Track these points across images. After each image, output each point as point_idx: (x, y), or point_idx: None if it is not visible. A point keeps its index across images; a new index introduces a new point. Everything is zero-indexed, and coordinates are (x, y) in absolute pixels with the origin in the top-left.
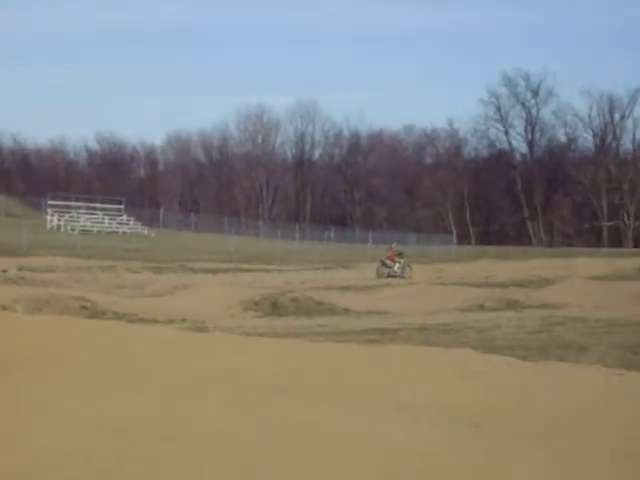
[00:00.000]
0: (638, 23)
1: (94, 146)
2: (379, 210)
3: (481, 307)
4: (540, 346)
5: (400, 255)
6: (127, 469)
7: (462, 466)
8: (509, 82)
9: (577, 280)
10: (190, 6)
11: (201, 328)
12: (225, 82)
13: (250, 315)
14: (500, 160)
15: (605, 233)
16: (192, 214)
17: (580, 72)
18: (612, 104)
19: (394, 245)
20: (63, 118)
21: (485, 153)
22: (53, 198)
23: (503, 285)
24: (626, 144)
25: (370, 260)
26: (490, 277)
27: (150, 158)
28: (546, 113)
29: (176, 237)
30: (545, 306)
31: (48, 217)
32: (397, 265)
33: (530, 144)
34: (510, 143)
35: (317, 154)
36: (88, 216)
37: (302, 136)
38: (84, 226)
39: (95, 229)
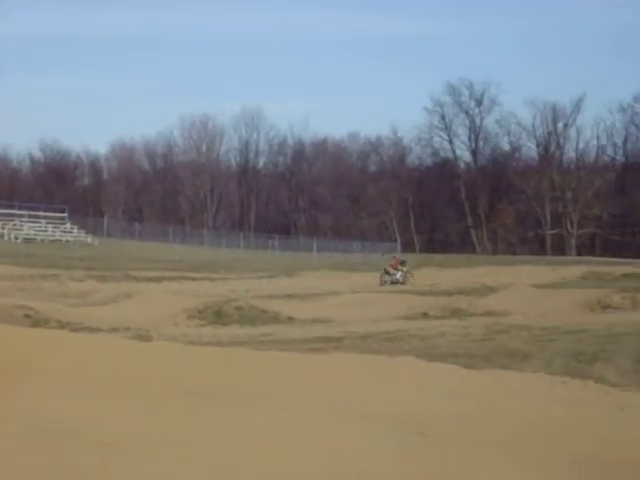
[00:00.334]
0: (580, 33)
1: (38, 154)
2: (323, 218)
3: (425, 315)
4: (484, 354)
5: (403, 264)
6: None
7: (406, 473)
8: (453, 91)
9: (521, 288)
10: (133, 14)
11: (145, 337)
12: (169, 90)
13: (194, 324)
14: (444, 169)
15: (548, 241)
16: (136, 222)
17: (524, 81)
18: (555, 113)
19: (397, 255)
20: (6, 126)
21: (429, 161)
22: None
23: (447, 293)
24: (569, 153)
25: (314, 268)
26: (434, 285)
27: (94, 166)
28: (490, 122)
29: (120, 246)
30: (489, 314)
31: None
32: (399, 273)
33: (474, 153)
34: (454, 152)
35: (261, 162)
36: (31, 224)
37: (246, 144)
38: (27, 234)
39: (38, 237)
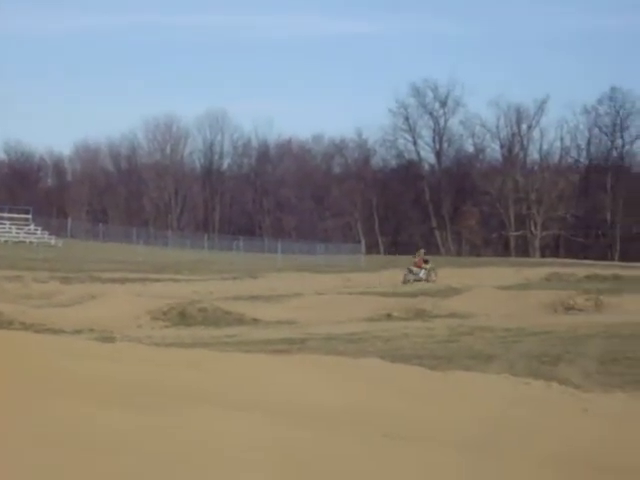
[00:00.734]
0: (543, 34)
1: (1, 156)
2: (288, 220)
3: (389, 316)
4: (448, 355)
5: (426, 262)
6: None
7: (370, 475)
8: (417, 92)
9: (485, 290)
10: (97, 15)
11: (109, 338)
12: (133, 91)
13: (158, 325)
14: (408, 170)
15: (512, 243)
16: (100, 224)
17: (488, 83)
18: (519, 115)
19: (421, 252)
20: None
21: (394, 163)
22: None
23: (411, 294)
24: (533, 154)
25: (278, 270)
26: (398, 286)
27: (58, 168)
28: (454, 123)
29: (84, 247)
30: (453, 315)
31: None
32: (422, 271)
33: (438, 154)
34: (418, 153)
35: (226, 164)
36: None
37: (211, 146)
38: None
39: (2, 239)
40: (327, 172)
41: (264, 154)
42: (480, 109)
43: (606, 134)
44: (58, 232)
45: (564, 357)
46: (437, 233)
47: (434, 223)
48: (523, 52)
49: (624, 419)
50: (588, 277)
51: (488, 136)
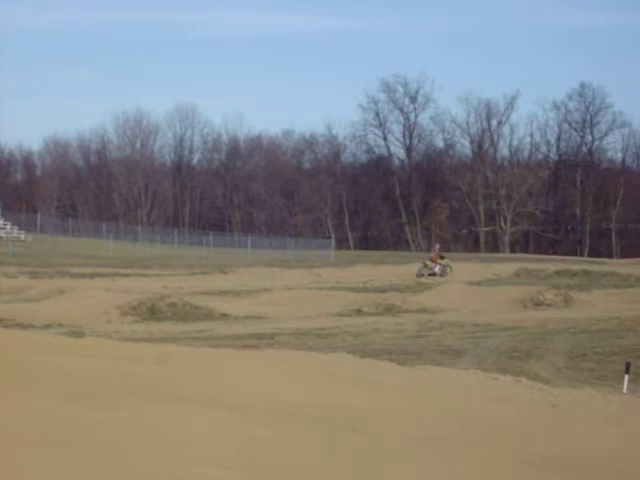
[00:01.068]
0: (514, 30)
1: None
2: (258, 215)
3: (359, 312)
4: (418, 350)
5: (442, 258)
6: None
7: (336, 470)
8: (387, 88)
9: (455, 285)
10: (66, 9)
11: (78, 333)
12: (103, 86)
13: (128, 320)
14: (379, 166)
15: (482, 238)
16: (70, 219)
17: (458, 78)
18: (489, 110)
19: (437, 248)
20: None
21: (364, 158)
22: None
23: (381, 290)
24: (503, 150)
25: (248, 265)
26: (368, 282)
27: (27, 163)
28: (424, 119)
29: (53, 242)
30: (423, 311)
31: None
32: (437, 267)
33: (408, 150)
34: (389, 149)
35: (196, 159)
36: None
37: (181, 141)
38: None
39: None
40: (297, 167)
41: (234, 149)
42: (450, 105)
43: (576, 130)
44: (28, 227)
45: (533, 352)
46: (407, 228)
47: (404, 218)
48: (493, 47)
49: (593, 414)
50: (558, 273)
51: (458, 132)
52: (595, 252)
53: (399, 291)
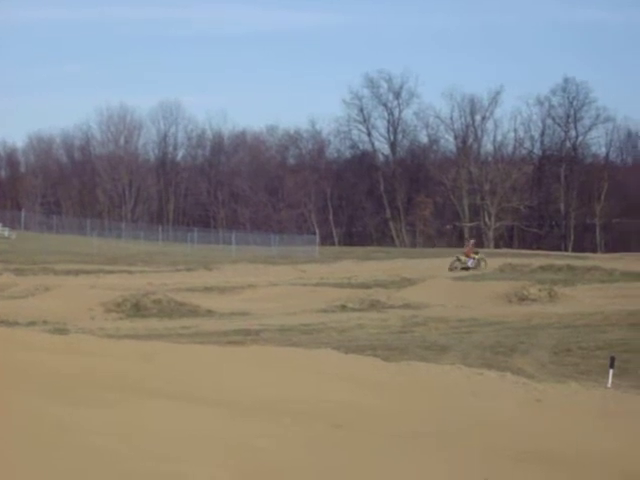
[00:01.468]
0: (497, 26)
1: None
2: (242, 211)
3: (343, 307)
4: (402, 346)
5: (476, 252)
6: None
7: (319, 466)
8: (371, 83)
9: (439, 280)
10: (51, 5)
11: (62, 330)
12: (87, 82)
13: (112, 317)
14: (363, 161)
15: (466, 234)
16: (54, 215)
17: (442, 74)
18: (473, 106)
19: (471, 242)
20: None
21: (348, 154)
22: None
23: (365, 285)
24: (487, 145)
25: (233, 261)
26: (352, 278)
27: (11, 159)
28: (408, 114)
29: (38, 239)
30: (407, 306)
31: None
32: (470, 261)
33: (392, 145)
34: (373, 144)
35: (180, 155)
36: None
37: (165, 137)
38: None
39: None
40: (281, 163)
41: (218, 145)
42: (434, 100)
43: (559, 125)
44: (12, 224)
45: (518, 347)
46: (391, 224)
47: (388, 214)
48: (477, 43)
49: (577, 409)
50: (542, 267)
51: (442, 127)
52: (579, 247)
53: (383, 287)
